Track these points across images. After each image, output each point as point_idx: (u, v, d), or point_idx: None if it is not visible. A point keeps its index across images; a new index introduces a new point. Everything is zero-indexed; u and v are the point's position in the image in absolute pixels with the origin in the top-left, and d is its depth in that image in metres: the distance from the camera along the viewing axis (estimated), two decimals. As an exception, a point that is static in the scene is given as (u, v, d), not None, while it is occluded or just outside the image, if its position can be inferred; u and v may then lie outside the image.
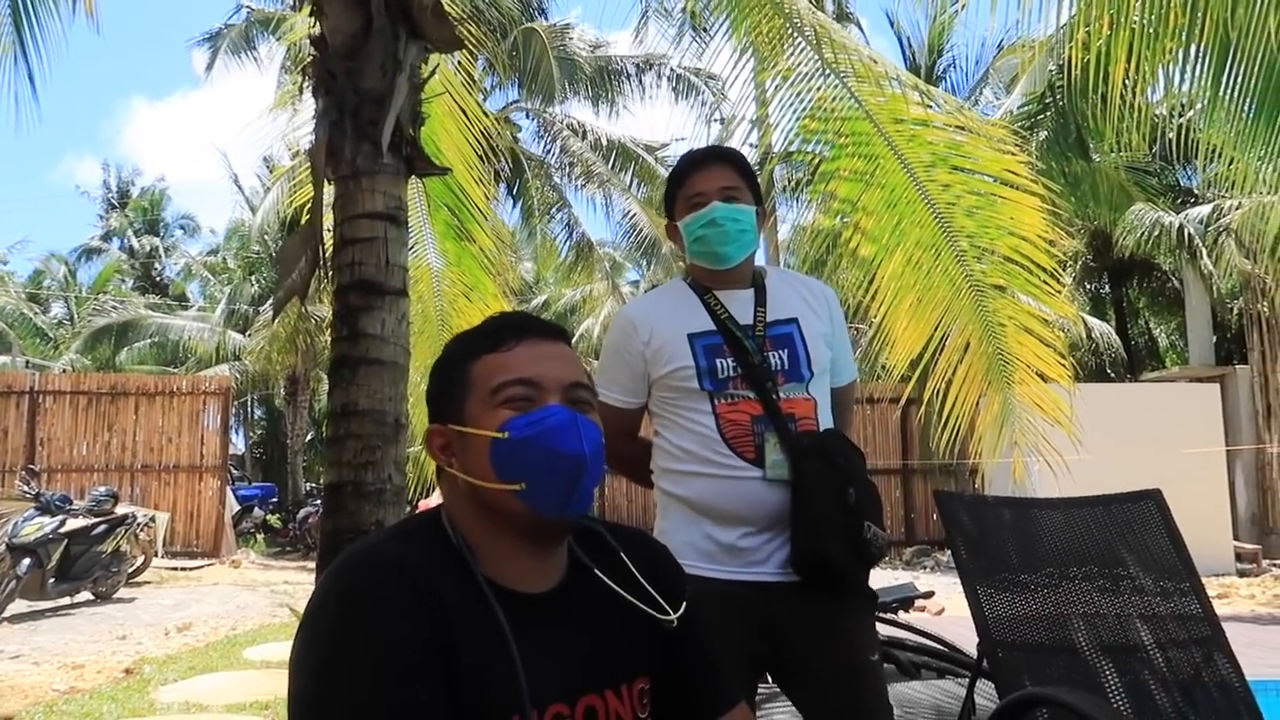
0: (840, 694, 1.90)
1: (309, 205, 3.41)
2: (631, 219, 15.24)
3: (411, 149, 3.13)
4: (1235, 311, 14.61)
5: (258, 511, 16.86)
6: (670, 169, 2.29)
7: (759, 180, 2.11)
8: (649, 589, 1.20)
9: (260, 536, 16.29)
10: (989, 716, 1.96)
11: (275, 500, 18.41)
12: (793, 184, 11.28)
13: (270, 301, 18.37)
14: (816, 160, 5.16)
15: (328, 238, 3.32)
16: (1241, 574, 10.65)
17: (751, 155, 6.68)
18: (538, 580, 1.16)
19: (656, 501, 2.06)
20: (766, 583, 1.90)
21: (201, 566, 12.41)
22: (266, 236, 19.52)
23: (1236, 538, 11.43)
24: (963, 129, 4.53)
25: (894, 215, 4.64)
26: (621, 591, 1.18)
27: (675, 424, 1.99)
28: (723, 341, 1.97)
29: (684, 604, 1.21)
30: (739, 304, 2.02)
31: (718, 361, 1.95)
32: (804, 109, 4.66)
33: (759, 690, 2.20)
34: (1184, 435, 10.65)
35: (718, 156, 2.08)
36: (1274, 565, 11.18)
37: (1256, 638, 6.54)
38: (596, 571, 1.19)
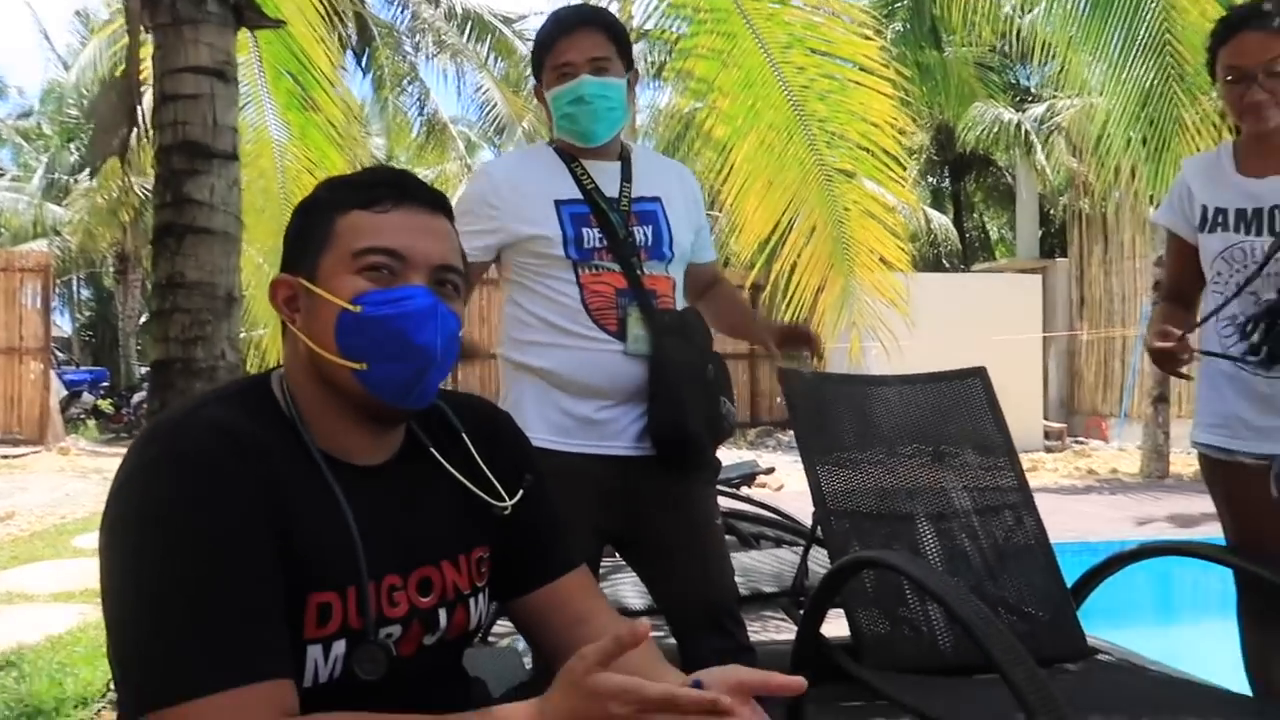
0: (689, 558, 1.97)
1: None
2: (485, 94, 14.69)
3: (240, -2, 2.88)
4: (1061, 207, 15.47)
5: (87, 396, 15.93)
6: (531, 40, 2.18)
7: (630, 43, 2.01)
8: (486, 471, 1.17)
9: (91, 423, 15.45)
10: (820, 580, 2.06)
11: (107, 385, 17.41)
12: (651, 66, 11.12)
13: (87, 168, 17.00)
14: (675, 39, 5.08)
15: (147, 95, 3.06)
16: (1049, 450, 11.61)
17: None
18: (372, 453, 1.10)
19: (503, 372, 2.02)
20: (621, 456, 1.91)
21: (25, 454, 11.70)
22: (84, 99, 17.89)
23: (1046, 418, 12.40)
24: (819, 8, 4.53)
25: (749, 96, 4.65)
26: (458, 475, 1.15)
27: (534, 292, 1.93)
28: (589, 211, 1.92)
29: (521, 489, 1.19)
30: (606, 176, 1.96)
31: (584, 231, 1.90)
32: (664, -20, 4.56)
33: (601, 563, 2.26)
34: (1008, 323, 11.33)
35: (588, 21, 1.96)
36: (1076, 442, 12.22)
37: (1059, 505, 7.16)
38: (433, 451, 1.15)
